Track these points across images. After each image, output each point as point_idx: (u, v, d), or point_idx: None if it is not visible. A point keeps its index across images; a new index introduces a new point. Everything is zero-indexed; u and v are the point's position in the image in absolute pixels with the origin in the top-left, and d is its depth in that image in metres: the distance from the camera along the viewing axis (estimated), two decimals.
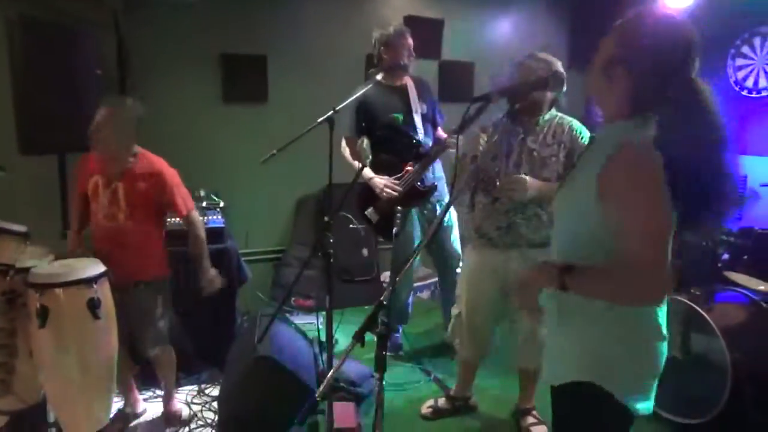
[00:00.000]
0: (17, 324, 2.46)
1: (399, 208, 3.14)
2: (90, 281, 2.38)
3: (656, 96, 1.36)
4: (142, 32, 4.02)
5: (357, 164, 3.25)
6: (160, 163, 2.74)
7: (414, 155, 3.41)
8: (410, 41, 3.44)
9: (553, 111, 2.65)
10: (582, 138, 2.54)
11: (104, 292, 2.46)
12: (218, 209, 3.65)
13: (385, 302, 1.38)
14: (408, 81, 3.52)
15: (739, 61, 4.69)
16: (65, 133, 3.15)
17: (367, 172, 3.35)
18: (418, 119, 3.46)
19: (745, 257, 3.30)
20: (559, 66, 2.44)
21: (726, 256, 3.34)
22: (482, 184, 2.62)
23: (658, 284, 1.30)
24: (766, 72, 4.50)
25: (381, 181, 3.36)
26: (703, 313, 2.78)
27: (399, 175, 3.38)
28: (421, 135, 3.46)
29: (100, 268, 2.48)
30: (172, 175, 2.75)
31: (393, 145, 3.44)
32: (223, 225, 3.48)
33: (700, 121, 1.30)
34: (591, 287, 1.37)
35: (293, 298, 4.32)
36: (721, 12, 4.65)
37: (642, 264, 1.26)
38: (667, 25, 1.37)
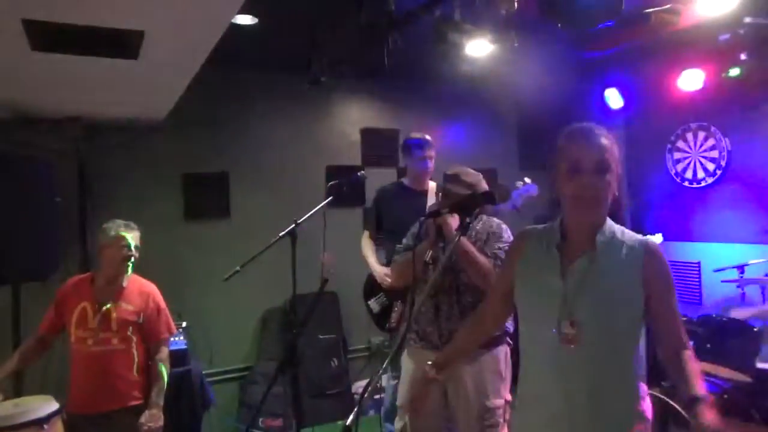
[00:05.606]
0: None
1: (399, 302, 3.15)
2: (41, 422, 2.26)
3: None
4: (103, 157, 4.06)
5: (369, 257, 3.48)
6: (150, 284, 2.80)
7: None
8: (427, 153, 3.52)
9: None
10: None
11: None
12: (180, 330, 3.55)
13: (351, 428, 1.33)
14: (431, 185, 3.59)
15: (677, 155, 5.01)
16: (21, 263, 3.09)
17: (372, 262, 3.46)
18: None
19: (709, 346, 3.33)
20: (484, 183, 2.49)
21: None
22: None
23: None
24: (701, 164, 4.81)
25: (381, 271, 3.36)
26: (678, 407, 2.76)
27: None
28: None
29: (53, 406, 2.36)
30: (160, 297, 2.80)
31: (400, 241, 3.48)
32: (185, 347, 3.38)
33: None
34: None
35: (261, 419, 4.11)
36: (656, 110, 5.04)
37: None
38: None
